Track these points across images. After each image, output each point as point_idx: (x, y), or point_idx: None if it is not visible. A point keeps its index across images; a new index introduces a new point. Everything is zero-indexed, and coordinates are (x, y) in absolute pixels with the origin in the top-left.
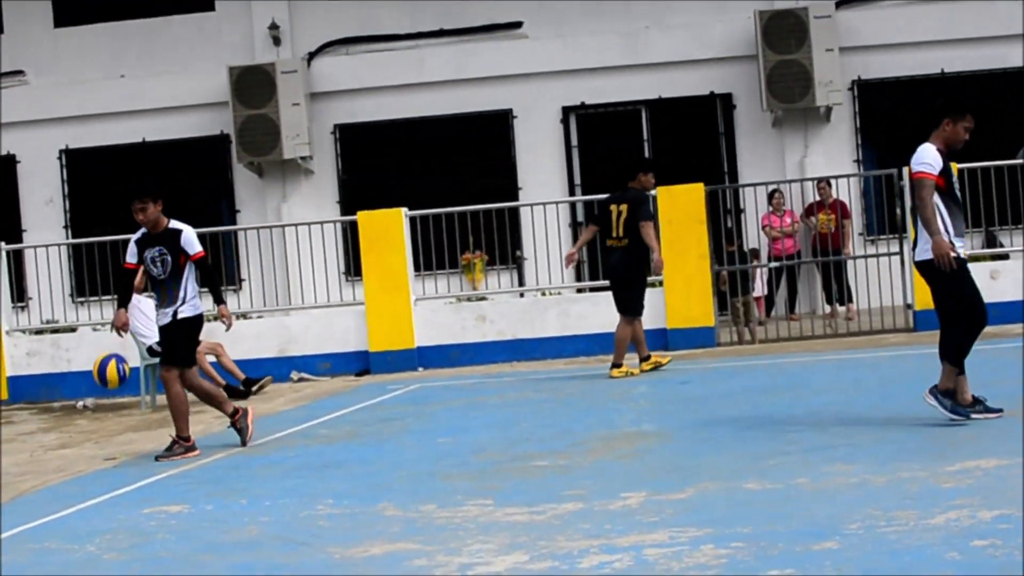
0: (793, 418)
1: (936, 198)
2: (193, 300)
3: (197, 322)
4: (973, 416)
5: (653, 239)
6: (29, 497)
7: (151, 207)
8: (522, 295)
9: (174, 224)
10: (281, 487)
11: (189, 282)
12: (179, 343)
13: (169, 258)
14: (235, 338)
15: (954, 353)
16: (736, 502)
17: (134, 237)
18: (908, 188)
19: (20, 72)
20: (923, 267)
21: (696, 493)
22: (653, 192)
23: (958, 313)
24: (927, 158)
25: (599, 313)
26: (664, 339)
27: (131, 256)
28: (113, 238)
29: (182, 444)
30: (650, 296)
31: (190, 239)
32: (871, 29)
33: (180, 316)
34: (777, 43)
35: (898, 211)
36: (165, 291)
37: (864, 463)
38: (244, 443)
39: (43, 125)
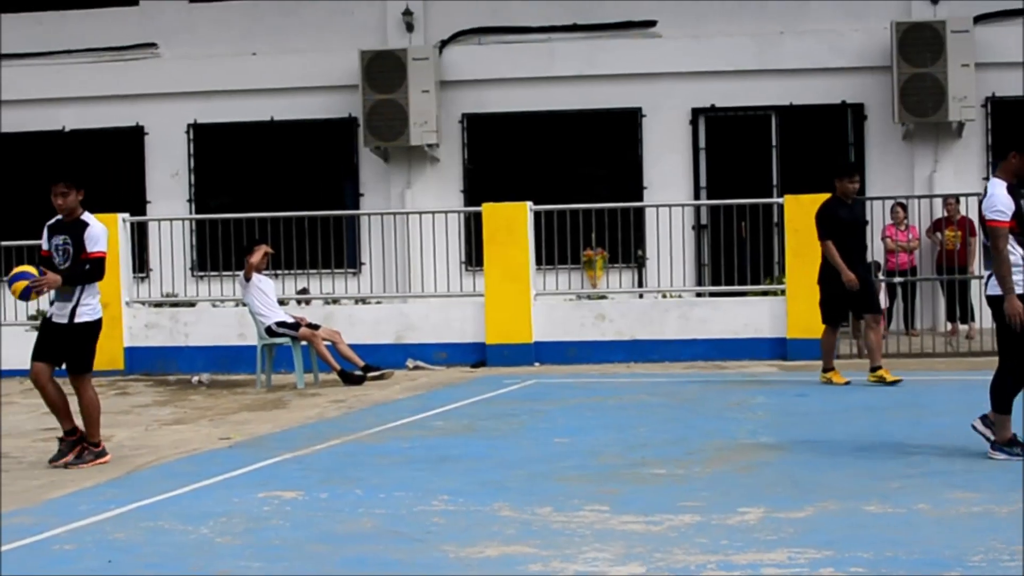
0: (913, 439)
1: (1012, 242)
2: (91, 301)
3: (97, 327)
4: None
5: (833, 257)
6: (144, 473)
7: (72, 194)
8: (642, 296)
9: (86, 216)
10: (396, 479)
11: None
12: (84, 350)
13: (71, 249)
14: (352, 323)
15: (1000, 400)
16: (856, 524)
17: (49, 222)
18: (979, 224)
19: (153, 45)
20: (992, 302)
21: (815, 512)
22: (856, 197)
23: (1016, 364)
24: (999, 204)
25: (720, 317)
26: (784, 349)
27: (45, 242)
28: (236, 216)
29: (92, 451)
30: (772, 304)
31: (94, 235)
32: (1008, 46)
33: (78, 320)
34: (913, 55)
35: None
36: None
37: (987, 491)
38: (56, 461)
39: (173, 98)
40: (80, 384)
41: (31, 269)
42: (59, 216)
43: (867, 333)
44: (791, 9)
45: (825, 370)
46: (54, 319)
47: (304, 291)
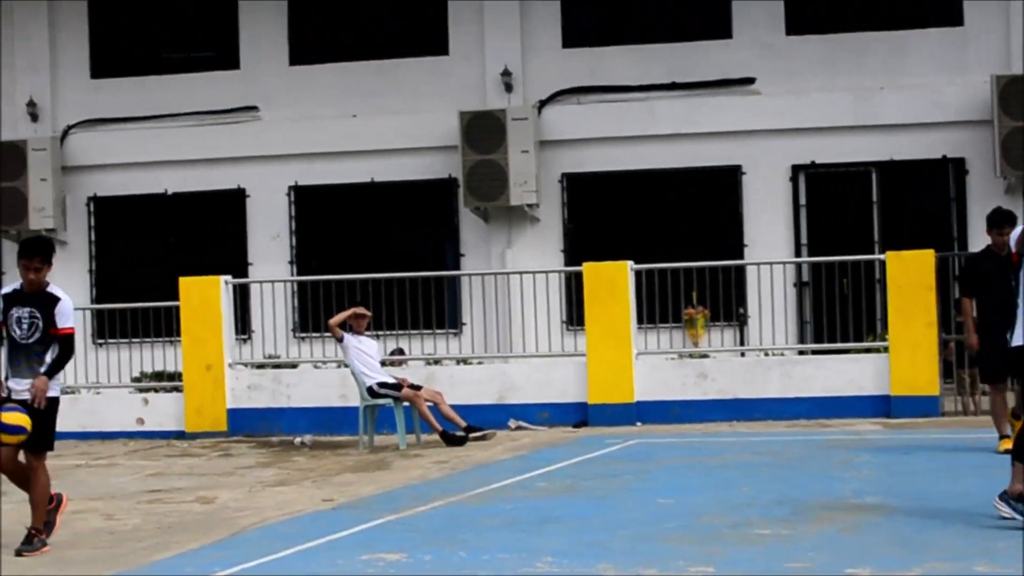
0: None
1: None
2: (59, 376)
3: (57, 403)
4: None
5: (964, 317)
6: (249, 535)
7: (45, 269)
8: (743, 354)
9: (53, 289)
10: (500, 540)
11: (53, 354)
12: (51, 427)
13: (40, 323)
14: (454, 383)
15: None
16: None
17: (3, 290)
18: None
19: (254, 108)
20: (1016, 354)
21: (923, 573)
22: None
23: None
24: None
25: (823, 376)
26: (888, 406)
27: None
28: (337, 277)
29: (41, 538)
30: (875, 362)
31: (65, 311)
32: None
33: (50, 395)
34: (1014, 109)
35: None
36: (28, 357)
37: None
38: (20, 553)
39: (274, 161)
40: (40, 464)
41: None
42: (16, 286)
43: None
44: (889, 64)
45: (1001, 437)
46: (15, 396)
47: (398, 351)
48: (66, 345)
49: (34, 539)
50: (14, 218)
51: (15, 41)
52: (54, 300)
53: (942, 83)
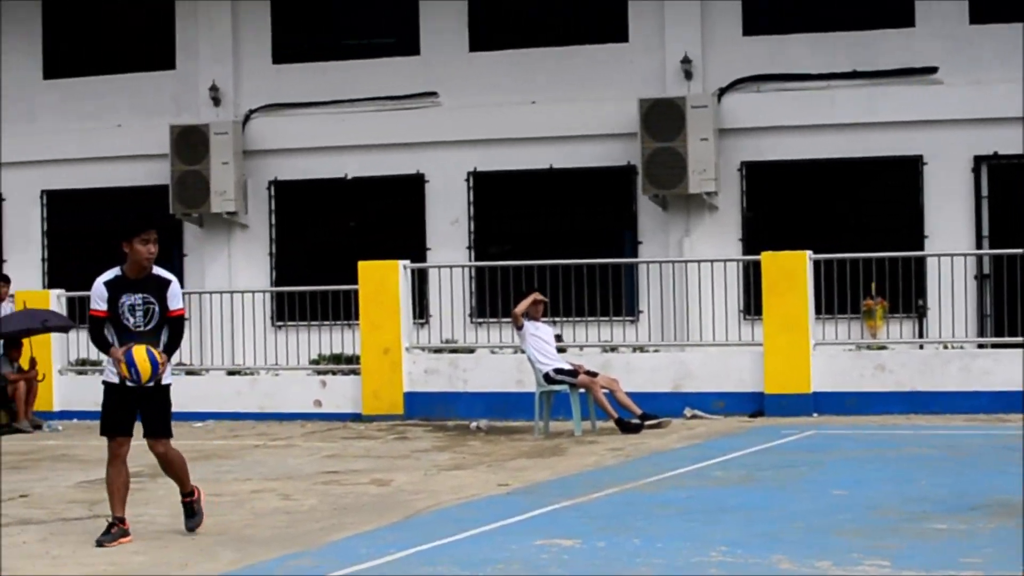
0: None
1: None
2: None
3: (170, 389)
4: None
5: None
6: (423, 517)
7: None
8: (922, 346)
9: (159, 271)
10: (674, 529)
11: (164, 341)
12: (167, 413)
13: (156, 308)
14: (630, 371)
15: None
16: None
17: (103, 278)
18: None
19: (433, 94)
20: None
21: None
22: None
23: None
24: None
25: (1002, 369)
26: None
27: (100, 301)
28: (515, 263)
29: (120, 527)
30: None
31: (177, 292)
32: None
33: (164, 382)
34: None
35: None
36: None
37: None
38: (194, 528)
39: (453, 146)
40: (167, 446)
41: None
42: (117, 272)
43: None
44: None
45: None
46: (128, 383)
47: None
48: (178, 327)
49: (194, 505)
50: (196, 201)
51: (199, 28)
52: (165, 282)
53: None
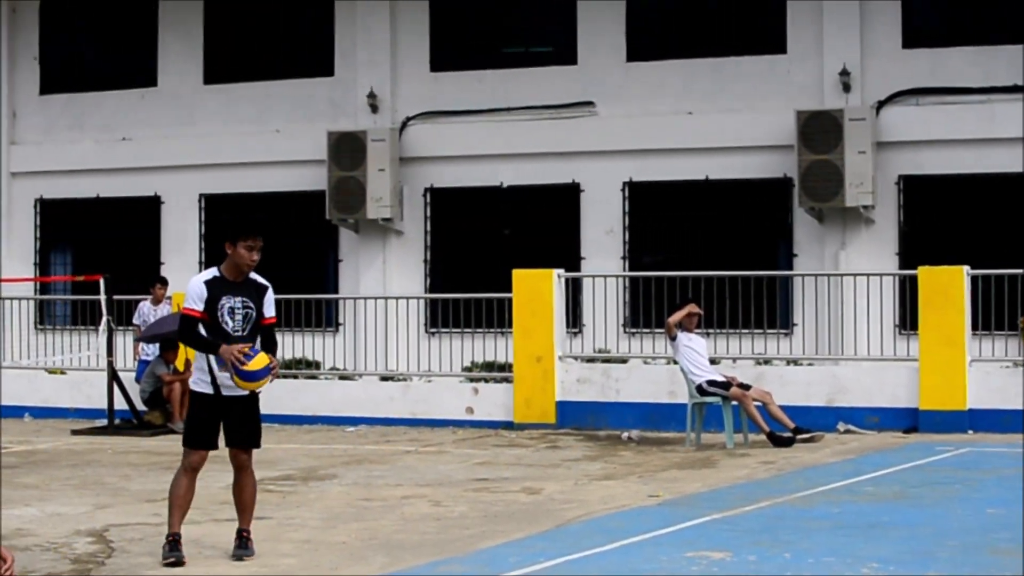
0: None
1: None
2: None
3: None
4: None
5: None
6: (573, 527)
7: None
8: None
9: (256, 276)
10: (825, 544)
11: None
12: (260, 423)
13: (254, 313)
14: (783, 384)
15: None
16: None
17: (202, 277)
18: None
19: (590, 103)
20: None
21: None
22: None
23: None
24: None
25: None
26: None
27: (198, 301)
28: (669, 274)
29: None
30: None
31: (272, 299)
32: None
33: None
34: None
35: None
36: None
37: None
38: (241, 557)
39: (608, 156)
40: (250, 462)
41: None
42: (215, 272)
43: None
44: None
45: None
46: (227, 392)
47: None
48: (273, 335)
49: (249, 542)
50: (352, 207)
51: (357, 35)
52: (263, 288)
53: None
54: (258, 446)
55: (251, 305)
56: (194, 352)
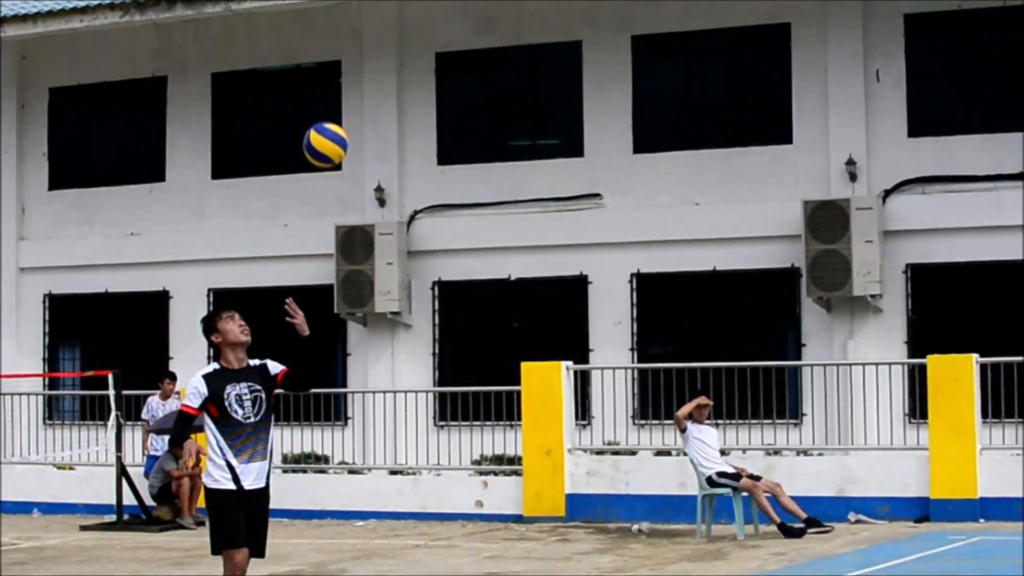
0: None
1: None
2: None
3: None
4: None
5: None
6: None
7: None
8: None
9: (255, 360)
10: None
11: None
12: (267, 534)
13: (263, 395)
14: (793, 474)
15: None
16: None
17: (201, 372)
18: None
19: (597, 195)
20: None
21: None
22: None
23: None
24: None
25: None
26: None
27: (194, 397)
28: (678, 365)
29: None
30: None
31: (274, 362)
32: None
33: (271, 481)
34: None
35: None
36: (253, 439)
37: None
38: None
39: (616, 248)
40: (245, 566)
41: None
42: (215, 366)
43: None
44: None
45: None
46: (248, 485)
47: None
48: (295, 380)
49: None
50: (361, 301)
51: (365, 128)
52: (263, 367)
53: None
54: (263, 555)
55: (258, 388)
56: (207, 448)
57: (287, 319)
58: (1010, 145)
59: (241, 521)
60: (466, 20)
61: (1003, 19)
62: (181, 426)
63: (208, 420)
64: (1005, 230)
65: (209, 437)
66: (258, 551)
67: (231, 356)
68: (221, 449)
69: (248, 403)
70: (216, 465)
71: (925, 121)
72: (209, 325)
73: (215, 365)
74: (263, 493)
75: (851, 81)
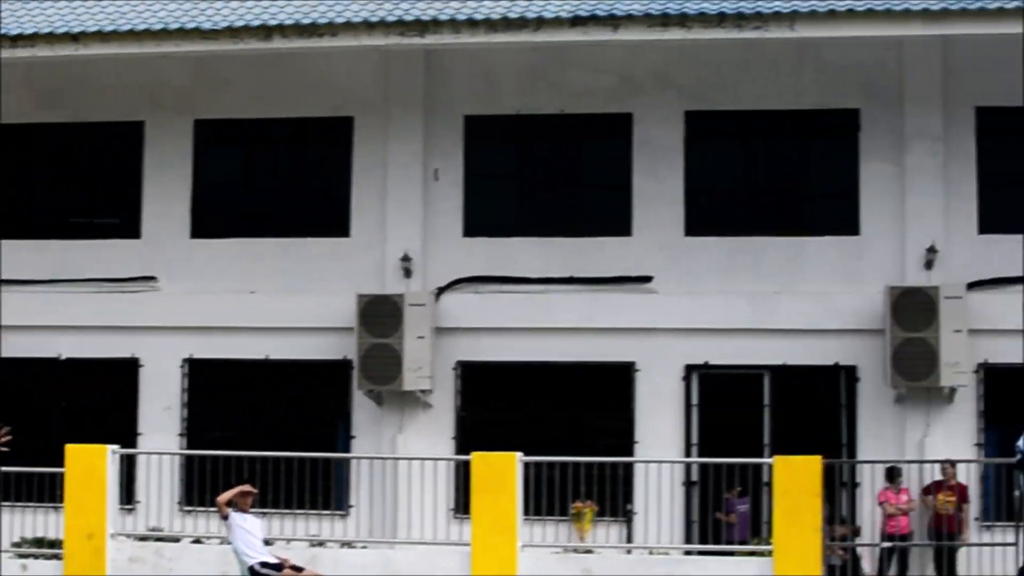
0: None
1: None
2: None
3: None
4: None
5: None
6: None
7: None
8: (629, 551)
9: None
10: None
11: None
12: None
13: None
14: (338, 566)
15: None
16: None
17: None
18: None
19: (152, 278)
20: None
21: None
22: None
23: None
24: None
25: None
26: None
27: None
28: (225, 453)
29: None
30: (760, 565)
31: None
32: (1003, 313)
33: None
34: (906, 320)
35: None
36: None
37: None
38: None
39: (169, 332)
40: None
41: None
42: None
43: None
44: (786, 269)
45: None
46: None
47: None
48: None
49: None
50: None
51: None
52: None
53: (837, 291)
54: None
55: None
56: None
57: None
58: (562, 249)
59: None
60: (31, 94)
61: (560, 125)
62: None
63: None
64: (554, 331)
65: None
66: None
67: None
68: None
69: None
70: None
71: (481, 221)
72: None
73: None
74: None
75: (410, 178)
